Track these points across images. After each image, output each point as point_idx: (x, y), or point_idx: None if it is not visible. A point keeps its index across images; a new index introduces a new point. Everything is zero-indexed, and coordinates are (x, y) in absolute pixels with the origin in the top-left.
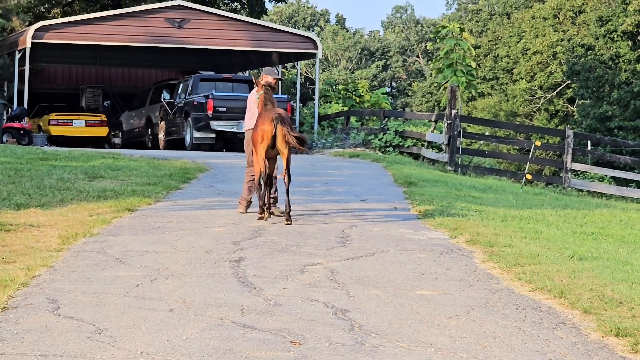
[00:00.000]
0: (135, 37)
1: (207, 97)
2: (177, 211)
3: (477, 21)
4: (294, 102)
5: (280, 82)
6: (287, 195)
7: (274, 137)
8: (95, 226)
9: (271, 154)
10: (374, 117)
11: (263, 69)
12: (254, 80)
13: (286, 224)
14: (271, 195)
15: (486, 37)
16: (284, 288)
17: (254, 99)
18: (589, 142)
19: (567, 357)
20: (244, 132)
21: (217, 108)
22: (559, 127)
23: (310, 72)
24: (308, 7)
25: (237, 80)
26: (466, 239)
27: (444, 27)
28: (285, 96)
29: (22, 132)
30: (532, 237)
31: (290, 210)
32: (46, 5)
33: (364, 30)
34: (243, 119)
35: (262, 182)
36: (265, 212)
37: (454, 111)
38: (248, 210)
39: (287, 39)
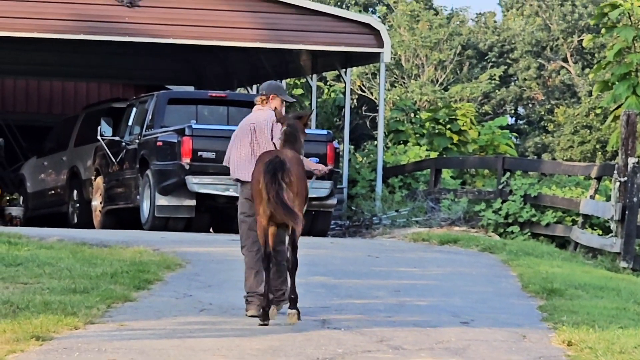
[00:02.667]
0: (50, 24)
1: (181, 132)
2: (127, 341)
3: None
4: (339, 143)
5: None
6: (292, 278)
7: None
8: None
9: (274, 219)
10: (486, 171)
11: (265, 84)
12: (261, 100)
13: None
14: (277, 287)
15: None
16: None
17: (264, 127)
18: None
19: None
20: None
21: (200, 153)
22: None
23: (370, 88)
24: None
25: (237, 103)
26: None
27: (614, 5)
28: (325, 132)
29: None
30: None
31: (294, 298)
32: None
33: (467, 12)
34: None
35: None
36: (273, 309)
37: (632, 160)
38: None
39: (327, 28)
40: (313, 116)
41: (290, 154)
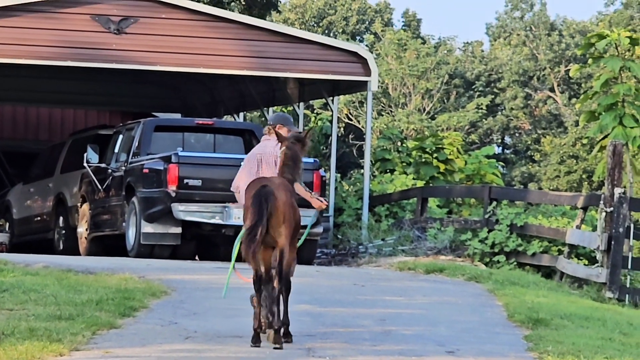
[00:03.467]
0: (37, 50)
1: (167, 159)
2: None
3: None
4: (326, 171)
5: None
6: (278, 304)
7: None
8: None
9: (266, 242)
10: (472, 200)
11: (271, 114)
12: (269, 130)
13: (274, 348)
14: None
15: None
16: None
17: (270, 152)
18: None
19: None
20: (233, 225)
21: (186, 181)
22: None
23: (357, 116)
24: None
25: (223, 130)
26: None
27: (600, 36)
28: (311, 160)
29: None
30: None
31: (281, 326)
32: None
33: (455, 41)
34: (231, 200)
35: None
36: (270, 333)
37: (618, 190)
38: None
39: (315, 57)
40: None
41: (278, 181)
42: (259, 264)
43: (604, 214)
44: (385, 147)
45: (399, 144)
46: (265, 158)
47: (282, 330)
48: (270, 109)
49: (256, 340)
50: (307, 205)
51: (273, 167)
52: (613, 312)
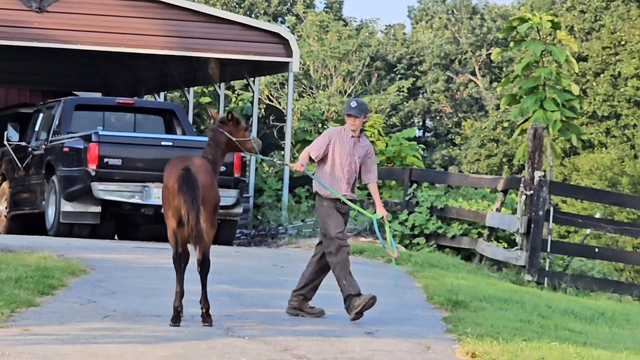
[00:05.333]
0: None
1: (87, 138)
2: (30, 346)
3: (582, 12)
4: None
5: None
6: (203, 287)
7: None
8: None
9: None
10: (393, 182)
11: (351, 101)
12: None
13: (204, 325)
14: None
15: (599, 40)
16: None
17: (345, 140)
18: None
19: None
20: (152, 205)
21: (106, 160)
22: None
23: (278, 98)
24: None
25: (144, 110)
26: None
27: (522, 20)
28: None
29: None
30: None
31: (207, 309)
32: None
33: (377, 23)
34: (151, 180)
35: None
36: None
37: (538, 174)
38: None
39: (236, 37)
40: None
41: (199, 162)
42: (178, 243)
43: (524, 197)
44: (306, 129)
45: (320, 125)
46: (338, 143)
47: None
48: (192, 89)
49: (176, 320)
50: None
51: (345, 158)
52: (532, 294)
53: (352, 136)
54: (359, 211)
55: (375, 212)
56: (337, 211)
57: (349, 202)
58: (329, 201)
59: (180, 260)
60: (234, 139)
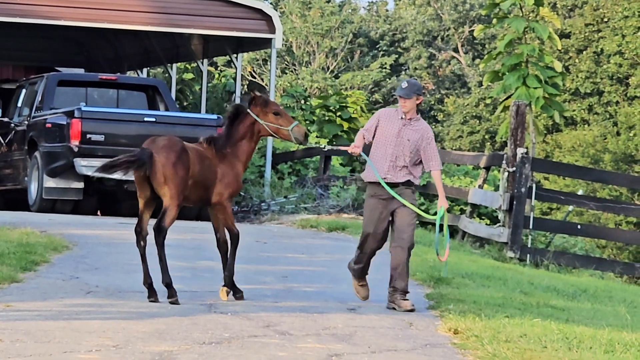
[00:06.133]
0: None
1: (70, 114)
2: (12, 322)
3: None
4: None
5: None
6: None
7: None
8: None
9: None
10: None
11: (405, 81)
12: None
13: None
14: None
15: (582, 17)
16: None
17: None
18: None
19: None
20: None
21: (89, 136)
22: None
23: (261, 74)
24: None
25: (127, 86)
26: None
27: None
28: (215, 116)
29: None
30: None
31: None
32: None
33: (359, 0)
34: None
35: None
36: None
37: (521, 150)
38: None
39: (219, 13)
40: (203, 100)
41: (163, 142)
42: (142, 223)
43: (506, 174)
44: (288, 105)
45: (303, 102)
46: (386, 124)
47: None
48: (174, 65)
49: (151, 295)
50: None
51: (391, 139)
52: (514, 271)
53: (402, 117)
54: (399, 200)
55: (441, 206)
56: (378, 199)
57: (386, 186)
58: (370, 186)
59: (138, 239)
60: (262, 122)
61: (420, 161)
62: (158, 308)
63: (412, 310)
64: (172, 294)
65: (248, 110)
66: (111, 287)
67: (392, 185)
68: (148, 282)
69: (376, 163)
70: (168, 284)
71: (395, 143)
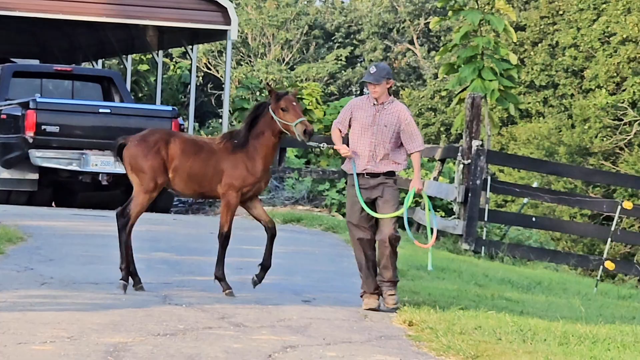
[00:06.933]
0: None
1: (25, 105)
2: None
3: None
4: (184, 120)
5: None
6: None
7: None
8: None
9: None
10: (330, 151)
11: (377, 65)
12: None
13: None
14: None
15: (537, 9)
16: None
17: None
18: None
19: None
20: (90, 172)
21: (44, 127)
22: None
23: (216, 66)
24: None
25: (82, 77)
26: None
27: None
28: (170, 108)
29: None
30: None
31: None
32: None
33: None
34: (89, 147)
35: None
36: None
37: (476, 143)
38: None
39: (174, 4)
40: (158, 92)
41: (144, 132)
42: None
43: (461, 166)
44: (243, 97)
45: (258, 93)
46: (359, 114)
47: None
48: (130, 57)
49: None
50: None
51: (367, 129)
52: (469, 263)
53: (374, 104)
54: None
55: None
56: (362, 188)
57: (360, 197)
58: (351, 177)
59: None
60: (275, 117)
61: (402, 143)
62: (113, 300)
63: (395, 309)
64: (136, 281)
65: (268, 106)
66: (66, 278)
67: (374, 175)
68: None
69: (355, 157)
70: (122, 269)
71: (372, 132)
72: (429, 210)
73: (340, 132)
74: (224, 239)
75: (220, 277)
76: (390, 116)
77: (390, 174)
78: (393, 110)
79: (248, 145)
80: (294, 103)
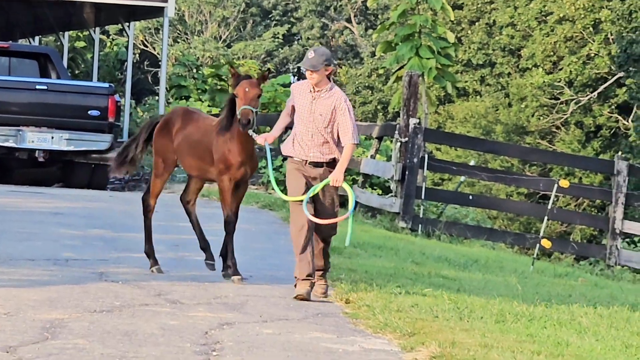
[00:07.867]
0: None
1: None
2: None
3: None
4: (121, 97)
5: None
6: None
7: None
8: None
9: None
10: (267, 128)
11: (315, 49)
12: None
13: None
14: None
15: None
16: None
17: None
18: None
19: None
20: (27, 149)
21: None
22: (601, 156)
23: (153, 43)
24: None
25: (19, 54)
26: (432, 355)
27: None
28: (106, 85)
29: None
30: (550, 354)
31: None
32: None
33: None
34: (25, 124)
35: None
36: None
37: (413, 121)
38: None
39: None
40: (95, 69)
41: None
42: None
43: (398, 144)
44: (180, 74)
45: (195, 71)
46: (298, 100)
47: None
48: (67, 34)
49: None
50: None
51: (305, 116)
52: (406, 241)
53: (311, 91)
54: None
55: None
56: (302, 174)
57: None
58: (291, 160)
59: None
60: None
61: None
62: (49, 276)
63: (324, 296)
64: (152, 263)
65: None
66: (2, 254)
67: (317, 164)
68: (201, 247)
69: (300, 140)
70: (146, 252)
71: (308, 120)
72: (352, 207)
73: (288, 116)
74: (225, 224)
75: (232, 265)
76: (326, 106)
77: (334, 163)
78: (330, 99)
79: (231, 128)
80: (246, 89)
